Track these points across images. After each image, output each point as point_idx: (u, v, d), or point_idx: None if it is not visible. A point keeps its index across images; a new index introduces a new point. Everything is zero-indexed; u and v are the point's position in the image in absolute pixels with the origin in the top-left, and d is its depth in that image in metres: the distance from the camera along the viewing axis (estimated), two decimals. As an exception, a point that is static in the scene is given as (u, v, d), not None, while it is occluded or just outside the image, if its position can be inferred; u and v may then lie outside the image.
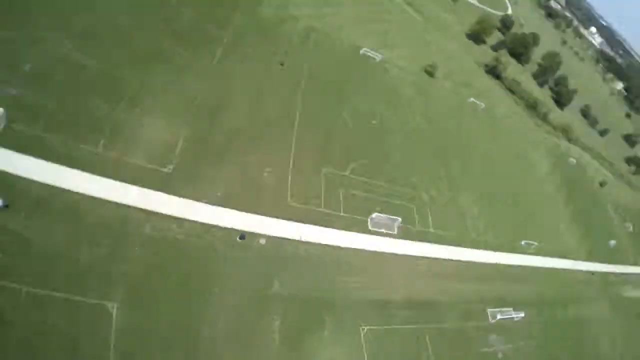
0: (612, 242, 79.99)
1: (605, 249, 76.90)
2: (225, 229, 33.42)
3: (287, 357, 30.88)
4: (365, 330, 34.50)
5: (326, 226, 36.59)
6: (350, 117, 45.83)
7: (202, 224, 32.94)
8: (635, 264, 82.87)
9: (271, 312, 31.88)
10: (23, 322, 25.28)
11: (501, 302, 46.24)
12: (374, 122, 47.02)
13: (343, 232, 36.95)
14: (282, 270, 33.89)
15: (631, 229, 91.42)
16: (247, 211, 35.00)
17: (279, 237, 34.82)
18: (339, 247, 36.31)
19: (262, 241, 34.18)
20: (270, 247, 34.35)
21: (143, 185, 32.32)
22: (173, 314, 28.97)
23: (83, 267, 27.70)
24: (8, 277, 25.80)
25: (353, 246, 36.77)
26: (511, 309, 46.24)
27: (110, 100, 34.16)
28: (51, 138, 30.27)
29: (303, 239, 35.25)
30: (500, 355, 42.17)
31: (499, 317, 44.10)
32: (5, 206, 26.73)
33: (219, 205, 34.22)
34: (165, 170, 34.02)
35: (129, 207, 31.32)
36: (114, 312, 27.17)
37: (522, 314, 46.63)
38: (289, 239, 35.05)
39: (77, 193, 29.82)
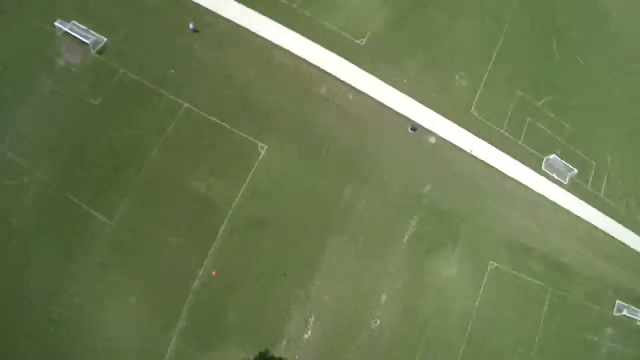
0: None
1: None
2: (400, 115, 33.67)
3: (410, 257, 31.79)
4: (493, 266, 33.96)
5: (501, 149, 35.03)
6: (559, 47, 40.85)
7: (380, 103, 33.42)
8: None
9: (412, 211, 32.41)
10: (176, 131, 28.27)
11: (635, 301, 42.20)
12: (579, 59, 41.36)
13: (515, 161, 35.22)
14: (440, 175, 33.80)
15: None
16: (427, 105, 34.37)
17: (449, 142, 34.09)
18: (504, 175, 34.84)
19: (432, 140, 33.78)
20: (438, 149, 33.95)
21: (332, 50, 33.08)
22: (311, 171, 30.63)
23: (247, 104, 30.07)
24: (174, 92, 28.61)
25: (519, 179, 35.11)
26: (640, 310, 42.21)
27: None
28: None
29: (473, 153, 34.03)
30: (604, 350, 39.34)
31: (624, 313, 40.45)
32: (196, 31, 29.38)
33: (403, 91, 33.80)
34: (358, 42, 34.04)
35: (310, 64, 32.35)
36: (263, 152, 29.38)
37: (649, 321, 42.44)
38: (459, 148, 34.22)
39: (263, 37, 31.44)
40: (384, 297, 30.64)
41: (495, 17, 39.34)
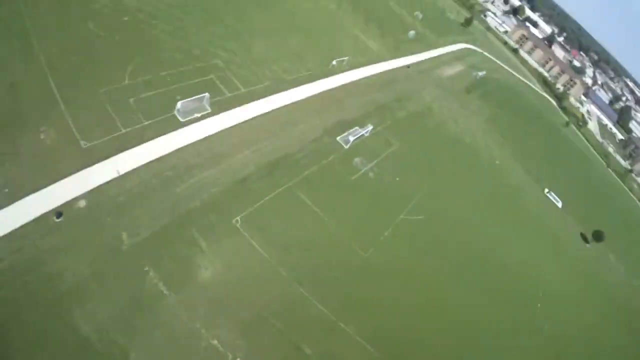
0: (411, 33, 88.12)
1: (407, 41, 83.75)
2: (35, 220, 26.41)
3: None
4: (239, 220, 33.12)
5: (135, 145, 32.17)
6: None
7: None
8: (437, 46, 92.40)
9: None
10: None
11: (344, 126, 48.06)
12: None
13: (158, 140, 33.33)
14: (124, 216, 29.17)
15: (421, 16, 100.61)
16: (43, 188, 27.74)
17: (95, 189, 29.25)
18: (162, 158, 32.80)
19: (82, 203, 28.70)
20: (93, 205, 29.01)
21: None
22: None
23: None
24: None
25: (177, 147, 33.88)
26: (357, 127, 48.26)
27: None
28: None
29: (122, 172, 30.67)
30: (371, 174, 44.91)
31: (351, 139, 45.51)
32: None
33: (7, 204, 26.69)
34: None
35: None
36: None
37: (370, 127, 49.08)
38: (107, 183, 29.82)
39: None
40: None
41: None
